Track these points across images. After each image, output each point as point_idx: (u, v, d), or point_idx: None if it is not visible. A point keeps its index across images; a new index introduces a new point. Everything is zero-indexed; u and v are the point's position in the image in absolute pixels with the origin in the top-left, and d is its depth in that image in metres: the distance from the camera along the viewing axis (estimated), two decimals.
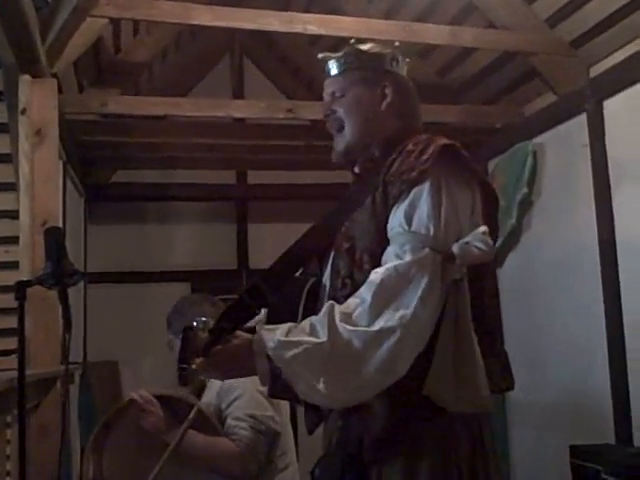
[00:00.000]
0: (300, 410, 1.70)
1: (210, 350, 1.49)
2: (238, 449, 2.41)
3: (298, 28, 3.55)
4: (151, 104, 4.16)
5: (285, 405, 2.63)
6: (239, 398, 2.48)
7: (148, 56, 4.57)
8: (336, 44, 4.98)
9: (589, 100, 3.68)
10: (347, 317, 1.42)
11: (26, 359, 1.77)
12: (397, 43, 1.79)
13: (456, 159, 1.55)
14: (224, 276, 5.51)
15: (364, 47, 1.73)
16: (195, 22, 3.47)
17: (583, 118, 3.74)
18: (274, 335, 1.43)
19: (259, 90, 5.72)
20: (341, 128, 1.71)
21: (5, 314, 3.89)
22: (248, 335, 1.50)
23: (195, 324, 1.52)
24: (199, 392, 2.66)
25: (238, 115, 4.43)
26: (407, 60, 1.77)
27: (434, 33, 3.75)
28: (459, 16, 4.06)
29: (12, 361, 2.67)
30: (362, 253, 1.55)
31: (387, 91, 1.69)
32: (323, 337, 1.40)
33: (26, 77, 3.05)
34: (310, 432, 1.68)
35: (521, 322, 4.18)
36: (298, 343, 1.41)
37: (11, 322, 3.30)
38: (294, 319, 1.54)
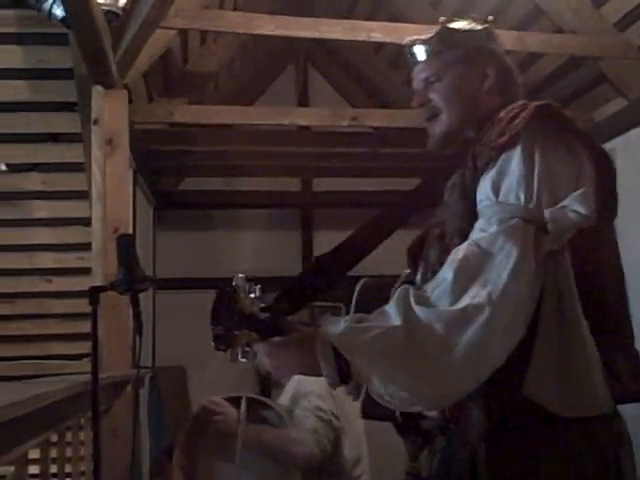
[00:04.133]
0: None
1: (268, 333, 1.30)
2: (300, 434, 2.51)
3: (362, 36, 3.55)
4: (218, 113, 4.23)
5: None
6: (309, 394, 2.57)
7: (215, 66, 4.65)
8: (401, 51, 4.99)
9: None
10: (424, 299, 1.20)
11: (98, 363, 1.81)
12: (491, 17, 1.61)
13: (555, 119, 1.34)
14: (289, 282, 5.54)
15: (457, 25, 1.55)
16: (260, 32, 3.51)
17: None
18: (339, 323, 1.22)
19: (323, 98, 5.74)
20: (436, 115, 1.52)
21: (78, 319, 4.00)
22: (310, 329, 1.31)
23: (234, 282, 1.31)
24: (265, 387, 2.76)
25: (303, 123, 4.46)
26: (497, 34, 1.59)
27: (500, 38, 3.69)
28: (525, 21, 4.01)
29: (85, 365, 2.74)
30: (452, 237, 1.34)
31: (489, 71, 1.51)
32: (397, 321, 1.17)
33: (98, 88, 3.14)
34: (413, 459, 1.48)
35: None
36: (367, 329, 1.18)
37: (84, 327, 3.39)
38: None
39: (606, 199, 1.33)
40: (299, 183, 5.94)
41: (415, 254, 1.53)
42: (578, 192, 1.24)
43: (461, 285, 1.19)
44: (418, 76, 1.56)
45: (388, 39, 3.62)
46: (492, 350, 1.17)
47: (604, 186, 1.34)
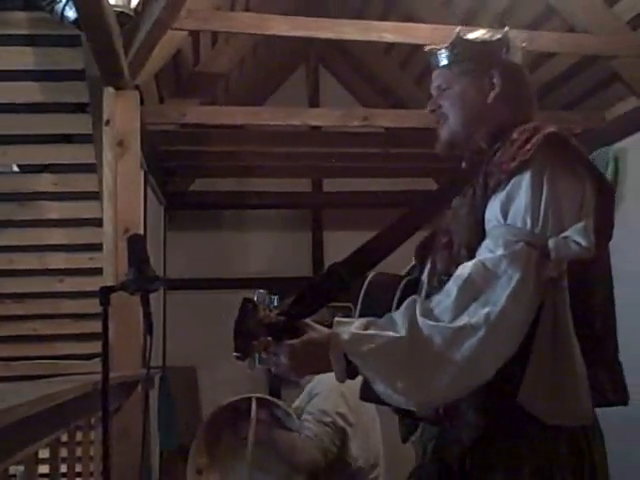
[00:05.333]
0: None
1: (283, 335, 1.40)
2: (303, 441, 2.55)
3: (374, 36, 3.55)
4: (229, 114, 4.24)
5: (370, 408, 2.67)
6: (317, 396, 2.59)
7: (226, 67, 4.65)
8: (412, 51, 4.98)
9: None
10: (429, 312, 1.33)
11: (109, 363, 1.81)
12: (507, 28, 1.67)
13: (564, 148, 1.42)
14: (299, 283, 5.52)
15: (471, 36, 1.63)
16: (273, 32, 3.51)
17: None
18: (349, 328, 1.35)
19: (334, 98, 5.74)
20: (446, 120, 1.61)
21: (89, 319, 4.02)
22: (325, 329, 1.41)
23: (256, 298, 1.42)
24: (275, 387, 2.80)
25: (314, 123, 4.47)
26: (523, 45, 1.66)
27: (512, 38, 3.69)
28: (538, 20, 3.99)
29: (96, 365, 2.75)
30: (460, 248, 1.46)
31: (495, 81, 1.57)
32: (402, 332, 1.31)
33: (110, 89, 3.15)
34: (404, 440, 1.60)
35: None
36: (375, 337, 1.32)
37: (95, 327, 3.40)
38: None
39: (603, 227, 1.42)
40: (310, 184, 5.94)
41: (423, 253, 1.65)
42: (580, 224, 1.34)
43: (463, 303, 1.32)
44: (434, 82, 1.65)
45: (399, 39, 3.63)
46: (483, 365, 1.31)
47: (603, 214, 1.43)
